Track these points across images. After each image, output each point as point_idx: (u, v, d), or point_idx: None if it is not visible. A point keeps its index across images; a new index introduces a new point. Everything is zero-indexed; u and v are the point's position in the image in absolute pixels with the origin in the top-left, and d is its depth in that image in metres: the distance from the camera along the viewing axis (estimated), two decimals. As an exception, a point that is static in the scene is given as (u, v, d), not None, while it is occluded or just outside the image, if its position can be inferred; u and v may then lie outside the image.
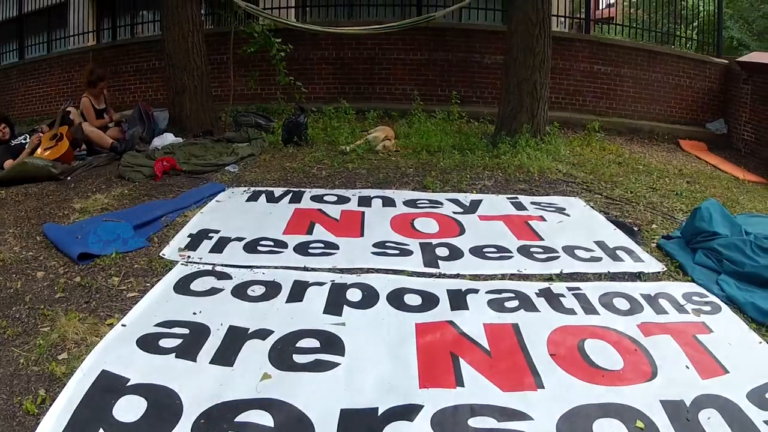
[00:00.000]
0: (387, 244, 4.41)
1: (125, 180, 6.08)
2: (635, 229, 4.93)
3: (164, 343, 2.98)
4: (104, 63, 9.84)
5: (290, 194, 5.52)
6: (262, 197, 5.44)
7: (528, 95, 7.62)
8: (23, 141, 7.02)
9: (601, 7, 18.98)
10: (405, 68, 10.64)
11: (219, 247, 4.25)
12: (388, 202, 5.37)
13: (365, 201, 5.39)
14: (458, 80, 10.50)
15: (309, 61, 10.61)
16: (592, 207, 5.46)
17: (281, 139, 7.69)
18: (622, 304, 3.60)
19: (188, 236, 4.44)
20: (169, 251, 4.16)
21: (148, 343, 2.97)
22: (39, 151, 6.67)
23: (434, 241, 4.48)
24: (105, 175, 6.39)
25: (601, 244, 4.52)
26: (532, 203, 5.48)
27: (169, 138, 7.65)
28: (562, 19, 11.77)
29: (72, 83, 12.09)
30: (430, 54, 10.55)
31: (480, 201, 5.48)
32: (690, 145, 9.73)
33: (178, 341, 3.00)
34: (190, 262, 3.98)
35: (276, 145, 7.60)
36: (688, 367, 2.96)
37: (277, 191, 5.60)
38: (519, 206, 5.39)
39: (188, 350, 2.93)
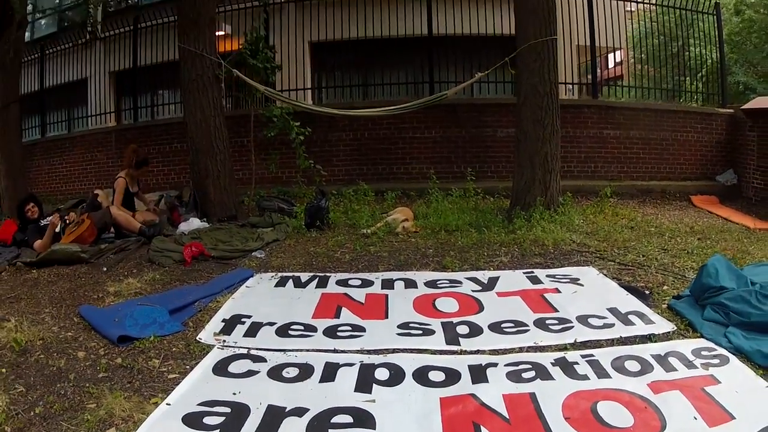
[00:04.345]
0: (410, 324, 4.56)
1: (156, 265, 6.30)
2: (647, 292, 5.06)
3: (208, 420, 3.14)
4: (127, 144, 9.68)
5: (317, 279, 5.70)
6: (290, 282, 5.63)
7: (540, 167, 7.78)
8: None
9: (608, 66, 19.19)
10: (420, 146, 10.88)
11: (252, 331, 4.44)
12: (410, 284, 5.53)
13: (388, 284, 5.56)
14: (472, 156, 10.72)
15: (327, 142, 10.87)
16: (605, 275, 5.59)
17: (304, 223, 7.90)
18: (633, 366, 3.72)
19: (222, 321, 4.63)
20: (205, 335, 4.35)
21: (193, 420, 3.13)
22: (63, 237, 6.97)
23: (455, 320, 4.62)
24: (135, 259, 6.64)
25: (613, 311, 4.64)
26: (547, 276, 5.63)
27: (194, 223, 7.89)
28: (570, 85, 11.95)
29: (95, 163, 12.39)
30: (444, 131, 10.82)
31: (497, 278, 5.63)
32: (701, 200, 9.83)
33: (221, 419, 3.15)
34: (226, 346, 4.15)
35: (299, 230, 7.81)
36: (695, 418, 3.07)
37: (304, 276, 5.80)
38: (535, 280, 5.54)
39: (231, 427, 3.08)
